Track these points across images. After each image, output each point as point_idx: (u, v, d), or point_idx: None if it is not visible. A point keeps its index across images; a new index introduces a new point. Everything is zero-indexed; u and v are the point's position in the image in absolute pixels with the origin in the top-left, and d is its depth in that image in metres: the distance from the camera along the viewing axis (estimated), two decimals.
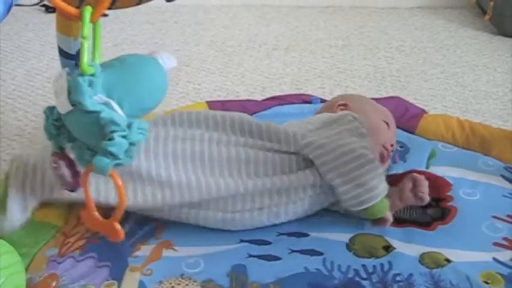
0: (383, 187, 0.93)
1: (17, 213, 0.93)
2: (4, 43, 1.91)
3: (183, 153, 0.95)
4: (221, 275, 0.87)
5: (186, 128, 0.98)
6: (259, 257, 0.91)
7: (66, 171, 0.75)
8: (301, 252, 0.91)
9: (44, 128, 0.72)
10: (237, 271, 0.87)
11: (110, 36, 1.93)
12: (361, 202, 0.92)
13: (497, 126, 1.28)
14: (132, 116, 0.67)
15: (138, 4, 0.94)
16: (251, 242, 0.94)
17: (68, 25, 1.00)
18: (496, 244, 0.92)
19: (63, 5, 0.60)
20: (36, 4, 2.20)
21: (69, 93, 0.65)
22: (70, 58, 1.07)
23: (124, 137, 0.64)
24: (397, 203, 0.97)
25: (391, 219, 0.95)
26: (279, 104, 1.31)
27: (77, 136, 0.69)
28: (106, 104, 0.65)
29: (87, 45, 0.63)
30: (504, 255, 0.90)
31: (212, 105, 1.30)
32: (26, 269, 0.86)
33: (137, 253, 0.91)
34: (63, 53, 1.06)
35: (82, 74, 0.64)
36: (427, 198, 0.95)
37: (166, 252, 0.91)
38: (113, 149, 0.63)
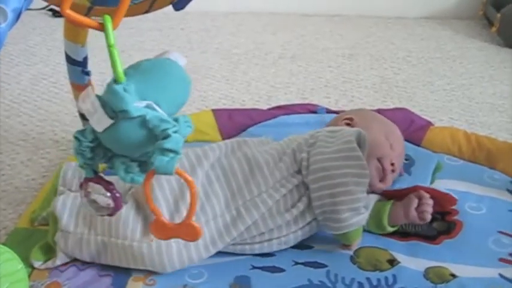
0: (356, 221, 0.90)
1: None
2: (11, 47, 1.91)
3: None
4: (224, 286, 0.86)
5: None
6: (263, 268, 0.90)
7: (107, 196, 0.72)
8: (305, 264, 0.91)
9: (77, 154, 0.69)
10: (241, 282, 0.87)
11: (117, 42, 1.92)
12: (331, 228, 0.92)
13: (504, 139, 1.28)
14: (170, 114, 0.66)
15: (146, 12, 0.94)
16: (255, 253, 0.94)
17: (75, 32, 1.00)
18: (502, 260, 0.91)
19: (81, 18, 0.60)
20: (43, 8, 2.21)
21: (104, 107, 0.63)
22: (77, 65, 1.06)
23: (176, 132, 0.63)
24: (402, 218, 0.96)
25: (354, 248, 0.94)
26: (285, 114, 1.31)
27: (119, 151, 0.67)
28: (147, 106, 0.64)
29: (116, 52, 0.62)
30: (510, 271, 0.89)
31: (218, 113, 1.30)
32: (29, 276, 0.85)
33: None
34: (70, 60, 1.06)
35: (117, 83, 0.63)
36: (428, 218, 0.95)
37: None
38: (171, 146, 0.62)
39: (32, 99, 1.57)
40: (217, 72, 1.77)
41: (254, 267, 0.90)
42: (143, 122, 0.63)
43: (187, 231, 0.69)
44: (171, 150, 0.62)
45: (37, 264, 0.90)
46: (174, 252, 0.87)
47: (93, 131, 0.66)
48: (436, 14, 2.29)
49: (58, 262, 0.90)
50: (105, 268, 0.89)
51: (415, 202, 0.95)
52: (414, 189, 0.98)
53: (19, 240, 0.95)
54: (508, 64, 1.85)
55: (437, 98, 1.61)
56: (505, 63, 1.86)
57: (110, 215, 0.73)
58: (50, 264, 0.90)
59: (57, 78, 1.69)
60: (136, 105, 0.62)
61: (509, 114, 1.52)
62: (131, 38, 2.00)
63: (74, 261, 0.90)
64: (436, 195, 0.98)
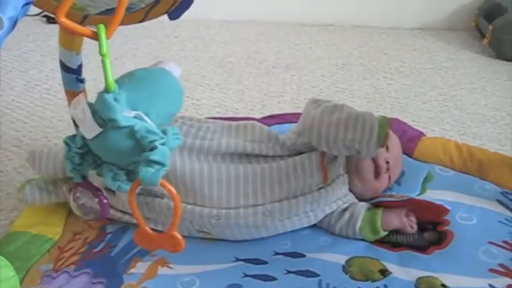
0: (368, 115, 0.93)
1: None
2: (4, 53, 1.91)
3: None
4: None
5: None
6: (255, 276, 0.91)
7: (95, 201, 0.73)
8: (297, 273, 0.91)
9: (66, 159, 0.70)
10: None
11: (111, 50, 1.90)
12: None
13: (495, 150, 1.28)
14: (160, 125, 0.66)
15: (141, 21, 0.95)
16: (247, 261, 0.94)
17: (70, 40, 1.00)
18: (491, 270, 0.92)
19: (76, 26, 0.60)
20: (38, 15, 2.21)
21: (94, 115, 0.64)
22: (71, 72, 1.07)
23: (163, 144, 0.64)
24: (395, 222, 0.98)
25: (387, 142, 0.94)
26: (278, 123, 1.32)
27: (107, 158, 0.68)
28: (137, 116, 0.64)
29: (109, 62, 0.62)
30: (500, 282, 0.89)
31: None
32: (21, 283, 0.85)
33: (132, 270, 0.91)
34: (64, 67, 1.06)
35: (107, 92, 0.63)
36: (415, 228, 1.00)
37: (161, 270, 0.91)
38: (157, 158, 0.63)
39: (25, 105, 1.57)
40: (211, 80, 1.78)
41: (246, 275, 0.90)
42: (131, 132, 0.63)
43: (170, 242, 0.70)
44: (157, 162, 0.63)
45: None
46: None
47: (83, 138, 0.67)
48: (429, 25, 2.31)
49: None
50: (98, 275, 0.89)
51: (404, 211, 0.99)
52: (409, 202, 0.99)
53: (13, 245, 0.95)
54: (499, 76, 1.87)
55: (429, 108, 1.63)
56: (497, 74, 1.88)
57: (97, 220, 0.75)
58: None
59: (50, 85, 1.69)
60: (125, 115, 0.63)
61: (501, 125, 1.54)
62: (125, 46, 2.00)
63: (66, 267, 0.90)
64: (429, 206, 0.99)
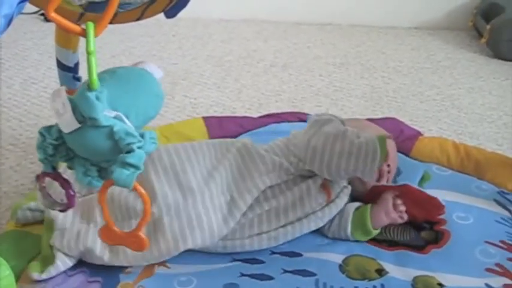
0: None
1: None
2: (1, 51, 1.90)
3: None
4: None
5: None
6: (252, 276, 0.90)
7: (62, 192, 0.74)
8: (294, 272, 0.91)
9: (39, 149, 0.70)
10: None
11: (108, 48, 1.93)
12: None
13: (492, 150, 1.29)
14: (138, 127, 0.66)
15: (138, 20, 0.95)
16: (244, 260, 0.94)
17: (67, 38, 1.00)
18: (488, 270, 0.92)
19: (65, 22, 0.60)
20: (35, 13, 2.20)
21: (73, 110, 0.64)
22: (68, 70, 1.07)
23: (140, 147, 0.64)
24: (384, 219, 0.98)
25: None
26: (275, 122, 1.32)
27: (81, 154, 0.68)
28: (116, 117, 0.64)
29: (94, 60, 0.62)
30: (496, 281, 0.90)
31: (208, 121, 1.30)
32: (17, 282, 0.85)
33: (129, 269, 0.90)
34: (60, 65, 1.06)
35: (90, 90, 0.63)
36: (405, 216, 0.98)
37: (158, 269, 0.91)
38: (133, 161, 0.63)
39: (22, 103, 1.57)
40: (209, 79, 1.77)
41: (243, 275, 0.90)
42: (110, 132, 0.63)
43: (135, 242, 0.70)
44: (132, 165, 0.63)
45: (36, 276, 0.88)
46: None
47: (59, 130, 0.67)
48: (426, 25, 2.31)
49: (59, 263, 0.89)
50: (94, 274, 0.89)
51: (391, 202, 0.98)
52: (402, 187, 1.00)
53: (10, 243, 0.95)
54: (497, 75, 1.87)
55: (427, 108, 1.63)
56: (494, 74, 1.88)
57: (62, 210, 0.75)
58: (52, 270, 0.88)
59: (47, 83, 1.68)
60: (106, 115, 0.63)
61: (498, 125, 1.54)
62: (122, 44, 2.00)
63: None
64: (423, 198, 0.99)
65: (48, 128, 0.69)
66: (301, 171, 0.97)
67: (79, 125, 0.64)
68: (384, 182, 1.05)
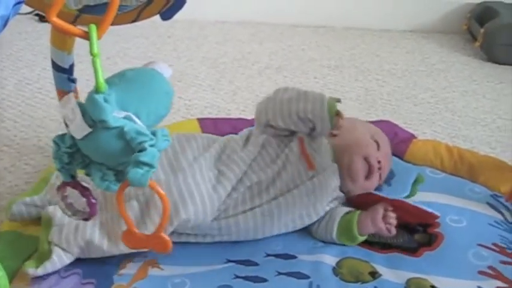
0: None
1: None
2: None
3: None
4: None
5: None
6: (246, 278, 0.91)
7: (83, 201, 0.73)
8: (288, 274, 0.91)
9: (55, 158, 0.69)
10: None
11: (103, 49, 1.89)
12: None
13: (485, 153, 1.29)
14: (149, 126, 0.66)
15: (134, 21, 0.95)
16: (238, 262, 0.94)
17: (62, 39, 1.00)
18: (481, 273, 0.92)
19: (67, 26, 0.60)
20: (30, 13, 2.19)
21: (83, 115, 0.64)
22: (62, 72, 1.07)
23: (152, 145, 0.64)
24: (370, 227, 0.98)
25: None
26: None
27: (96, 159, 0.67)
28: (126, 117, 0.64)
29: (99, 62, 0.62)
30: (489, 284, 0.90)
31: (203, 122, 1.30)
32: (10, 283, 0.85)
33: (123, 271, 0.90)
34: (56, 67, 1.06)
35: (97, 92, 0.63)
36: (393, 231, 0.97)
37: (152, 271, 0.91)
38: (146, 159, 0.63)
39: (16, 104, 1.56)
40: (203, 81, 1.77)
41: (237, 277, 0.90)
42: (121, 133, 0.63)
43: (158, 243, 0.70)
44: (146, 164, 0.63)
45: (32, 271, 0.88)
46: None
47: (72, 137, 0.67)
48: (421, 28, 2.31)
49: (55, 258, 0.89)
50: (88, 276, 0.89)
51: (381, 212, 0.97)
52: (396, 203, 0.99)
53: (4, 244, 0.95)
54: (490, 79, 1.88)
55: (421, 111, 1.63)
56: (488, 77, 1.89)
57: (86, 219, 0.74)
58: (47, 266, 0.88)
59: (42, 84, 1.68)
60: (115, 116, 0.63)
61: (491, 128, 1.54)
62: (117, 45, 1.99)
63: None
64: (418, 212, 0.99)
65: (62, 136, 0.68)
66: (275, 133, 1.02)
67: (90, 130, 0.64)
68: (375, 180, 1.05)
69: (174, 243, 0.94)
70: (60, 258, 0.89)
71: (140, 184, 0.64)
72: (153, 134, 0.65)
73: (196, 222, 0.93)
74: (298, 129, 1.01)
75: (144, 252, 0.94)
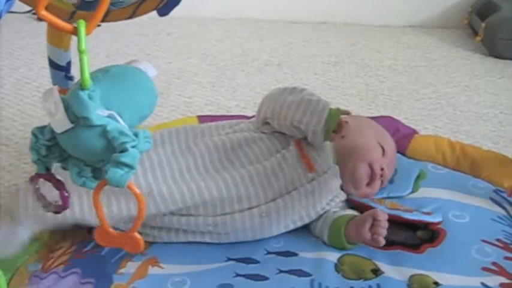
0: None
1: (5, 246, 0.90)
2: None
3: (168, 162, 0.97)
4: None
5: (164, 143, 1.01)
6: (247, 276, 0.90)
7: (55, 193, 0.72)
8: (289, 272, 0.90)
9: (32, 150, 0.68)
10: None
11: (102, 47, 1.92)
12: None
13: (488, 148, 1.28)
14: (132, 126, 0.65)
15: (130, 18, 0.94)
16: (239, 260, 0.93)
17: (59, 36, 0.99)
18: (484, 269, 0.91)
19: (56, 21, 0.59)
20: (28, 12, 2.19)
21: (66, 110, 0.63)
22: (60, 69, 1.06)
23: (134, 146, 0.63)
24: (354, 236, 0.94)
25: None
26: None
27: (75, 154, 0.67)
28: (109, 116, 0.63)
29: (86, 58, 0.61)
30: (493, 281, 0.89)
31: (203, 119, 1.29)
32: (8, 283, 0.84)
33: (122, 270, 0.90)
34: (53, 64, 1.05)
35: (82, 89, 0.62)
36: (381, 243, 0.91)
37: (152, 270, 0.90)
38: (127, 160, 0.62)
39: (15, 103, 1.56)
40: (203, 78, 1.76)
41: (238, 275, 0.89)
42: (103, 131, 0.62)
43: (130, 242, 0.70)
44: (126, 165, 0.62)
45: None
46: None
47: (52, 131, 0.66)
48: (422, 23, 2.30)
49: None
50: (87, 275, 0.88)
51: (369, 222, 0.92)
52: (393, 217, 0.96)
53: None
54: (492, 73, 1.87)
55: (422, 106, 1.62)
56: (490, 72, 1.88)
57: (57, 212, 0.74)
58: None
59: (41, 83, 1.67)
60: (98, 114, 0.62)
61: (494, 123, 1.53)
62: (116, 43, 1.99)
63: (55, 268, 0.89)
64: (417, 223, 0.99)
65: (41, 129, 0.68)
66: (272, 130, 1.01)
67: (72, 125, 0.63)
68: (376, 186, 1.04)
69: (174, 242, 0.95)
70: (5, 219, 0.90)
71: (119, 185, 0.63)
72: (135, 135, 0.64)
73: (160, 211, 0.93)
74: (292, 134, 1.00)
75: (144, 250, 0.93)
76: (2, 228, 0.90)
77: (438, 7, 2.29)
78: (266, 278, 0.89)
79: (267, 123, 1.01)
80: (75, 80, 1.09)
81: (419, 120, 1.52)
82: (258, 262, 0.93)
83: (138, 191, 0.66)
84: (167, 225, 0.95)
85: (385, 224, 0.92)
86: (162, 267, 0.91)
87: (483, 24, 1.98)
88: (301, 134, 0.97)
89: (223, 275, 0.89)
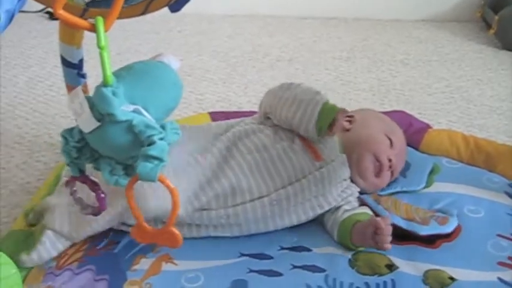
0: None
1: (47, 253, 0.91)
2: (7, 49, 1.90)
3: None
4: None
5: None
6: (260, 272, 0.89)
7: (91, 195, 0.72)
8: (303, 268, 0.90)
9: (63, 152, 0.69)
10: (238, 286, 0.86)
11: (114, 45, 1.91)
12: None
13: (502, 142, 1.27)
14: (158, 119, 0.66)
15: (142, 14, 0.94)
16: (252, 256, 0.93)
17: (71, 34, 0.99)
18: (500, 263, 0.90)
19: (74, 19, 0.59)
20: (40, 11, 2.20)
21: (91, 108, 0.63)
22: (72, 67, 1.06)
23: (162, 139, 0.63)
24: (359, 242, 0.93)
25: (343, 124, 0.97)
26: None
27: (105, 153, 0.67)
28: (135, 111, 0.63)
29: (107, 55, 0.61)
30: (509, 275, 0.88)
31: (215, 116, 1.29)
32: (23, 281, 0.85)
33: (136, 267, 0.90)
34: (65, 62, 1.05)
35: (105, 86, 0.62)
36: (386, 248, 0.89)
37: (165, 266, 0.90)
38: (155, 153, 0.62)
39: (27, 102, 1.57)
40: (215, 74, 1.76)
41: (251, 271, 0.89)
42: (129, 126, 0.63)
43: (168, 238, 0.69)
44: (155, 157, 0.62)
45: (25, 257, 0.88)
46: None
47: (81, 131, 0.66)
48: (433, 17, 2.29)
49: (45, 239, 0.89)
50: (101, 272, 0.88)
51: (370, 230, 0.90)
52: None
53: (14, 242, 0.94)
54: (505, 66, 1.85)
55: (435, 100, 1.61)
56: (503, 65, 1.86)
57: (95, 214, 0.74)
58: (40, 248, 0.88)
59: (53, 81, 1.68)
60: (123, 109, 0.62)
61: (508, 116, 1.52)
62: (127, 41, 1.99)
63: (69, 265, 0.90)
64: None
65: (70, 131, 0.68)
66: (270, 124, 1.01)
67: (98, 123, 0.63)
68: (385, 178, 1.03)
69: (187, 238, 0.95)
70: (50, 240, 0.89)
71: (150, 178, 0.63)
72: (162, 127, 0.64)
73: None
74: (290, 129, 0.99)
75: (157, 247, 0.93)
76: (46, 245, 0.90)
77: (450, 1, 2.28)
78: (280, 274, 0.89)
79: (269, 117, 1.01)
80: (87, 78, 1.10)
81: (433, 115, 1.51)
82: (271, 258, 0.93)
83: (171, 184, 0.65)
84: (180, 221, 0.95)
85: (389, 231, 0.89)
86: (175, 264, 0.91)
87: (496, 17, 1.97)
88: (297, 129, 0.98)
89: (237, 271, 0.89)
